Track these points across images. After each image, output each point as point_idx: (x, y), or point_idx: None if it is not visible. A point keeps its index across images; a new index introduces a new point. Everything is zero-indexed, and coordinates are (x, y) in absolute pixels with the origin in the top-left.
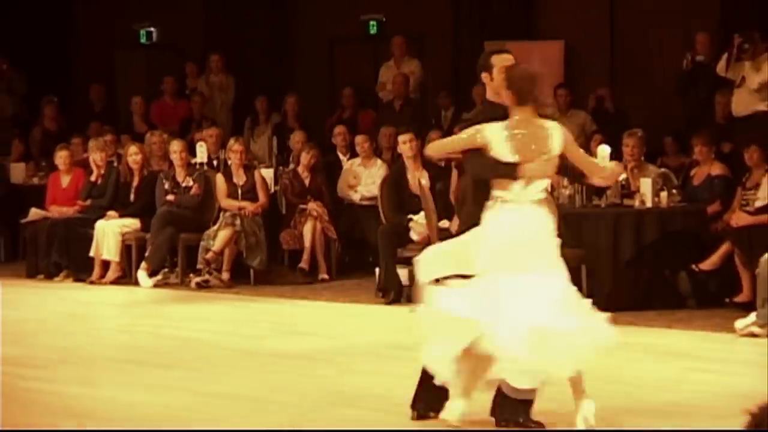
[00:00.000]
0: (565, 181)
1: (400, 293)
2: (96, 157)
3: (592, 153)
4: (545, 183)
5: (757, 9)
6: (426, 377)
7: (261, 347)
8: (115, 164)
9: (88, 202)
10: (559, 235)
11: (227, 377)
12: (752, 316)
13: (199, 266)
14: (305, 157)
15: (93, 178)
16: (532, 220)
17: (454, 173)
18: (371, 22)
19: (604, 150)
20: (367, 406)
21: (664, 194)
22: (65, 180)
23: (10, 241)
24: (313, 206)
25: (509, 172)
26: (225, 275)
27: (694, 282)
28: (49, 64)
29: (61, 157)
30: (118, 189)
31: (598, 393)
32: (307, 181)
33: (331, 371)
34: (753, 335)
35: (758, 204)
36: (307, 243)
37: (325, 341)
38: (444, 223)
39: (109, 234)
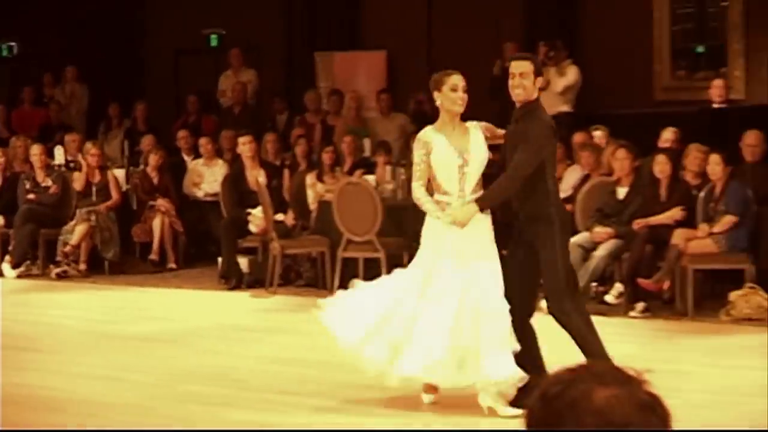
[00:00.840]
0: (388, 176)
1: (240, 280)
2: None
3: (411, 152)
4: None
5: (557, 20)
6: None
7: (116, 331)
8: None
9: None
10: (383, 226)
11: (85, 359)
12: None
13: (58, 258)
14: (153, 159)
15: None
16: None
17: (287, 172)
18: (212, 36)
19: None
20: (210, 382)
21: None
22: None
23: None
24: (161, 202)
25: None
26: (82, 266)
27: None
28: None
29: None
30: None
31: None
32: (155, 180)
33: (179, 351)
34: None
35: (562, 194)
36: (157, 236)
37: (174, 324)
38: (279, 216)
39: None
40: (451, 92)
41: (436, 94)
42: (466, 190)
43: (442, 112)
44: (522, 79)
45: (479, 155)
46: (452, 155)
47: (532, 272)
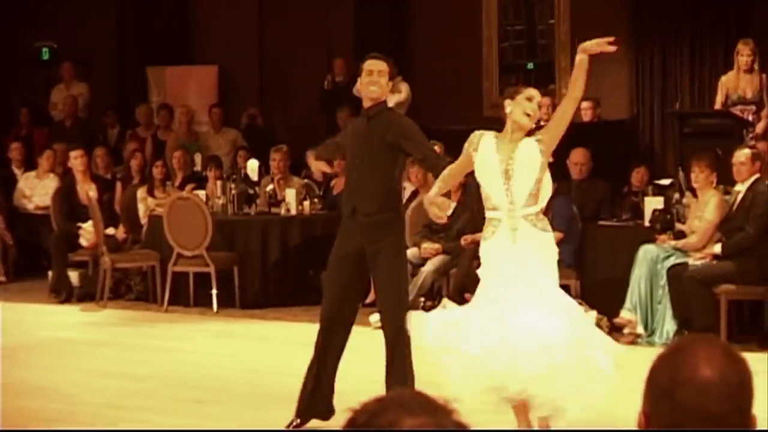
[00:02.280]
0: (219, 191)
1: (71, 293)
2: None
3: (240, 167)
4: None
5: (388, 37)
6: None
7: None
8: None
9: None
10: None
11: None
12: None
13: None
14: None
15: None
16: None
17: (119, 186)
18: (44, 49)
19: (253, 163)
20: (42, 397)
21: (307, 203)
22: None
23: None
24: None
25: None
26: None
27: None
28: None
29: None
30: None
31: (244, 381)
32: None
33: (8, 366)
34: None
35: None
36: None
37: (4, 338)
38: (110, 230)
39: None
40: (526, 101)
41: (508, 102)
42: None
43: (508, 121)
44: (379, 77)
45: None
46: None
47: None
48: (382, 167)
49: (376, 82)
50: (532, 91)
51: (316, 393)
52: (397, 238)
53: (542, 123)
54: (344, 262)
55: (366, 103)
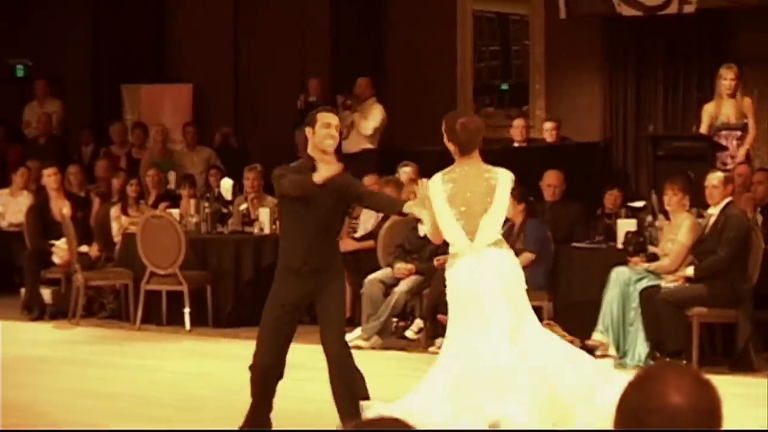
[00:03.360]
0: (192, 209)
1: (43, 311)
2: None
3: (212, 186)
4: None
5: (362, 57)
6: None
7: None
8: None
9: None
10: (186, 259)
11: None
12: (357, 331)
13: None
14: None
15: None
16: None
17: (96, 201)
18: (18, 66)
19: (227, 182)
20: (13, 415)
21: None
22: None
23: None
24: None
25: None
26: None
27: None
28: None
29: None
30: None
31: (217, 401)
32: None
33: None
34: (358, 348)
35: (361, 232)
36: None
37: None
38: (83, 248)
39: None
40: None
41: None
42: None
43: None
44: (335, 131)
45: None
46: None
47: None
48: (337, 223)
49: (333, 137)
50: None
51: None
52: (340, 277)
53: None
54: (285, 309)
55: (317, 155)
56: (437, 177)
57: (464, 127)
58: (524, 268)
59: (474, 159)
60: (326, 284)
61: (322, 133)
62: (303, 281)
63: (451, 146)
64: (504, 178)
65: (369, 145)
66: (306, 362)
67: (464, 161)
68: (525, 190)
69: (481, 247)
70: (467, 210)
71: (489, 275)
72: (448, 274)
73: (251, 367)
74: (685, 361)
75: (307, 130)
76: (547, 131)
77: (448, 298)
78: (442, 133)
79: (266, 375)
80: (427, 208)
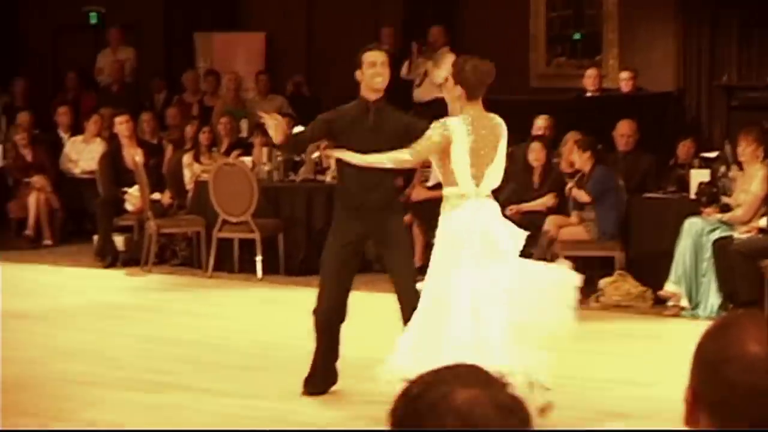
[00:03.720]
0: (264, 157)
1: (116, 258)
2: None
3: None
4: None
5: (436, 7)
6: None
7: None
8: None
9: None
10: (259, 207)
11: None
12: None
13: None
14: (18, 138)
15: None
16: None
17: (169, 149)
18: (92, 13)
19: (299, 130)
20: (84, 360)
21: None
22: None
23: None
24: (36, 179)
25: None
26: None
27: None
28: None
29: None
30: None
31: (290, 349)
32: (29, 157)
33: (52, 329)
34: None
35: (433, 181)
36: (32, 212)
37: (48, 301)
38: (156, 195)
39: None
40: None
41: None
42: None
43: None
44: (383, 68)
45: None
46: None
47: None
48: None
49: (381, 74)
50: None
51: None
52: (399, 218)
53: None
54: (347, 250)
55: (370, 96)
56: (462, 126)
57: (475, 68)
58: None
59: (479, 105)
60: (385, 224)
61: (369, 73)
62: (361, 220)
63: (457, 90)
64: (505, 130)
65: (441, 95)
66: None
67: (471, 107)
68: (591, 140)
69: (483, 193)
70: (477, 159)
71: (495, 217)
72: (452, 214)
73: (315, 312)
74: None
75: (357, 73)
76: (623, 81)
77: (446, 237)
78: (450, 77)
79: (329, 318)
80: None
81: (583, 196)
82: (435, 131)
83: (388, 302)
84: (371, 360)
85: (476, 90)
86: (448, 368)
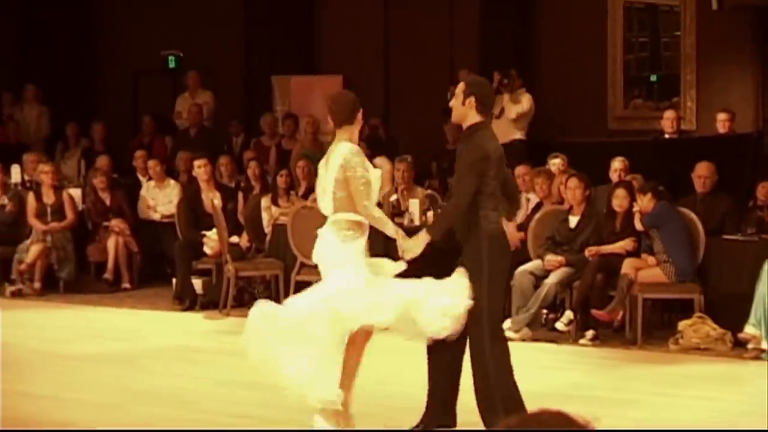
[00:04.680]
0: None
1: (194, 301)
2: None
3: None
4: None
5: (511, 49)
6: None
7: (68, 350)
8: None
9: None
10: None
11: (34, 378)
12: (507, 323)
13: (13, 277)
14: (95, 182)
15: None
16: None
17: (240, 194)
18: (170, 57)
19: (377, 173)
20: (163, 404)
21: (430, 213)
22: None
23: None
24: (115, 223)
25: None
26: (37, 285)
27: None
28: None
29: None
30: None
31: (375, 391)
32: (107, 201)
33: (131, 372)
34: (508, 339)
35: None
36: (111, 256)
37: (127, 345)
38: (234, 239)
39: None
40: None
41: None
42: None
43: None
44: (453, 99)
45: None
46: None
47: None
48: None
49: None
50: None
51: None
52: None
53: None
54: None
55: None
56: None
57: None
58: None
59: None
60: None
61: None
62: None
63: None
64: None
65: (519, 136)
66: None
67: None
68: (652, 183)
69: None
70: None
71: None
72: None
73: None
74: None
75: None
76: (720, 122)
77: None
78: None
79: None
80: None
81: (638, 224)
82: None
83: None
84: None
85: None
86: (533, 415)
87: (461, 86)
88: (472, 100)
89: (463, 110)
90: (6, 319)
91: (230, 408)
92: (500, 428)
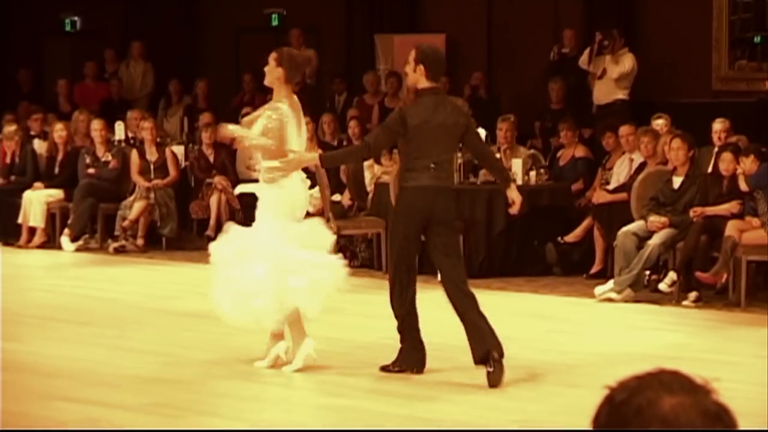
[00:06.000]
0: None
1: None
2: (8, 144)
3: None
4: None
5: (616, 8)
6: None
7: (171, 307)
8: (37, 142)
9: (12, 178)
10: None
11: (138, 334)
12: (610, 283)
13: (116, 233)
14: (206, 136)
15: (8, 160)
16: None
17: None
18: (273, 15)
19: (480, 133)
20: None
21: (533, 173)
22: None
23: None
24: (218, 180)
25: None
26: (140, 241)
27: (560, 252)
28: None
29: None
30: (37, 165)
31: (468, 350)
32: (211, 158)
33: (232, 328)
34: (610, 300)
35: (614, 184)
36: (214, 213)
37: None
38: (336, 197)
39: (36, 203)
40: None
41: None
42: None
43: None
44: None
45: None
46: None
47: None
48: None
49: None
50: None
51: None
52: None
53: None
54: None
55: None
56: None
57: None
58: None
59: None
60: None
61: None
62: None
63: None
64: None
65: (621, 96)
66: (558, 313)
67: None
68: (755, 145)
69: None
70: None
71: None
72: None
73: None
74: None
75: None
76: None
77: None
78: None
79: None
80: None
81: (743, 184)
82: None
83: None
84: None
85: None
86: (652, 374)
87: (412, 54)
88: (421, 67)
89: (415, 77)
90: (110, 275)
91: (332, 365)
92: (619, 388)
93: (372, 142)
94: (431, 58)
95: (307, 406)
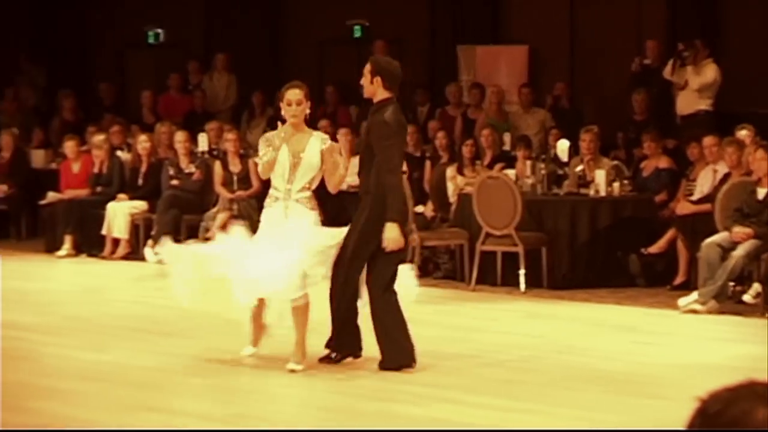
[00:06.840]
0: (528, 170)
1: None
2: (97, 153)
3: (551, 146)
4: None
5: (700, 19)
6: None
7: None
8: (120, 154)
9: (99, 189)
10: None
11: (222, 345)
12: (694, 295)
13: None
14: None
15: (96, 170)
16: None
17: (428, 164)
18: (356, 27)
19: (564, 143)
20: (343, 369)
21: (616, 184)
22: (75, 166)
23: (30, 220)
24: None
25: None
26: None
27: (643, 263)
28: (66, 62)
29: (68, 147)
30: (123, 176)
31: (552, 362)
32: None
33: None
34: (694, 312)
35: (697, 195)
36: None
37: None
38: (419, 208)
39: (120, 214)
40: (287, 106)
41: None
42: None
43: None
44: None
45: (310, 159)
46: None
47: None
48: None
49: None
50: (290, 94)
51: None
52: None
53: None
54: None
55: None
56: None
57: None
58: None
59: None
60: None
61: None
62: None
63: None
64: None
65: (704, 107)
66: (642, 325)
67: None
68: None
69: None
70: None
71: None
72: None
73: None
74: None
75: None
76: None
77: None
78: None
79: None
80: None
81: None
82: None
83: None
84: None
85: None
86: (745, 386)
87: (368, 66)
88: (378, 79)
89: (372, 88)
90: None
91: (414, 377)
92: (712, 399)
93: (395, 167)
94: (387, 70)
95: (390, 415)
